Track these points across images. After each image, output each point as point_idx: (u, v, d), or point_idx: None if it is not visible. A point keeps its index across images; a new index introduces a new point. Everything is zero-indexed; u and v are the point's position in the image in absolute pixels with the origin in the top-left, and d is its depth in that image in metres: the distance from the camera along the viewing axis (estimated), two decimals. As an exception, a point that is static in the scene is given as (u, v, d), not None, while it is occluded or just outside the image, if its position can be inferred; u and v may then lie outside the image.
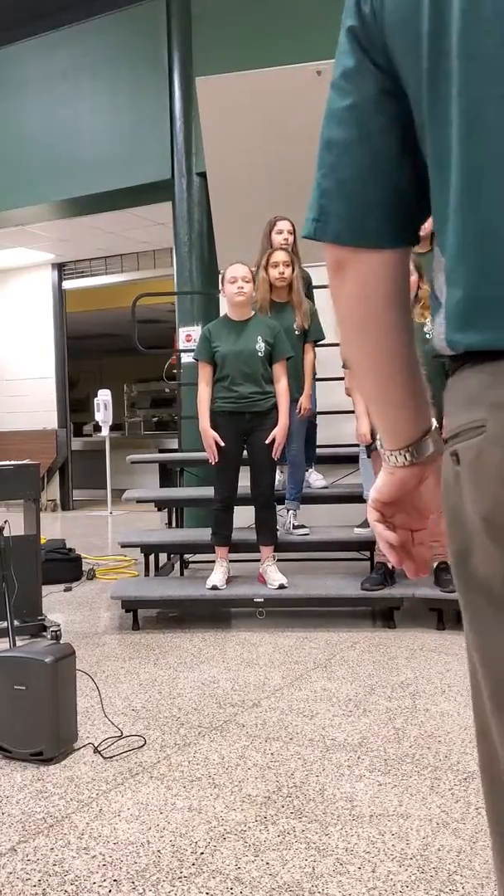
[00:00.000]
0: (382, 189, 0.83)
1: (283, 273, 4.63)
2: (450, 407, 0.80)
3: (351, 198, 0.83)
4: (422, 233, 0.93)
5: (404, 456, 0.93)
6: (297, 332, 4.70)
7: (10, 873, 1.99)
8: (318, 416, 5.31)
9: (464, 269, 0.74)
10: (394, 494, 0.96)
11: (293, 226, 5.01)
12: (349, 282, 0.86)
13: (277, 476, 4.76)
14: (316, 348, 5.10)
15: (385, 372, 0.90)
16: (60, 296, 11.21)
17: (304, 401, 4.77)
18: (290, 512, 4.87)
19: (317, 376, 5.19)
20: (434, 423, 0.94)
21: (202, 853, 2.05)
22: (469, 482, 0.75)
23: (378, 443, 0.96)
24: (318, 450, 5.42)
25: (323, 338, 4.94)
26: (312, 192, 0.86)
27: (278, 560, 4.52)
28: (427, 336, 4.15)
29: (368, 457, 4.50)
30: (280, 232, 4.98)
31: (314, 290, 5.29)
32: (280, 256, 4.65)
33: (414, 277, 4.13)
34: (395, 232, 0.85)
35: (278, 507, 4.68)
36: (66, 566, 5.78)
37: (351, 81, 0.82)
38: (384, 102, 0.81)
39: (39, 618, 4.23)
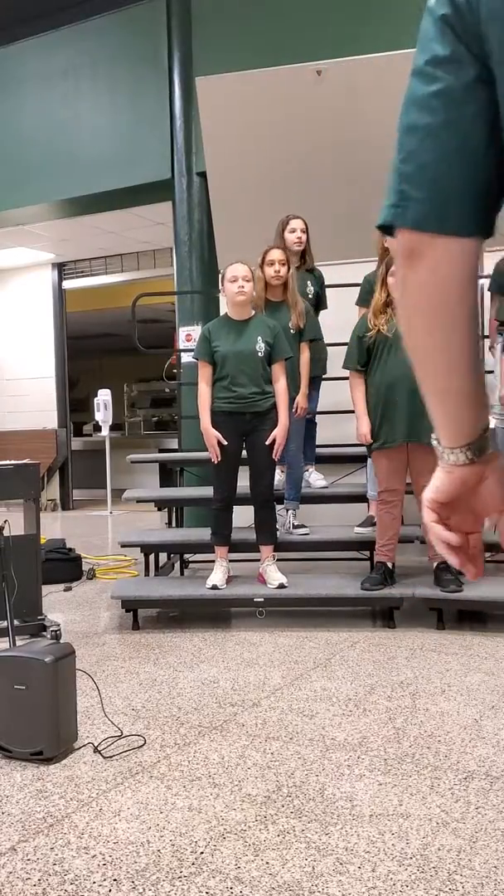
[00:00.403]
0: (466, 175, 0.81)
1: (279, 271, 4.62)
2: None
3: (433, 182, 0.82)
4: None
5: (465, 454, 0.90)
6: (292, 332, 4.70)
7: (10, 873, 1.99)
8: (318, 415, 5.31)
9: None
10: (453, 494, 0.92)
11: (306, 224, 5.00)
12: (423, 269, 0.84)
13: (277, 476, 4.76)
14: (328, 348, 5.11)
15: (452, 364, 0.87)
16: (60, 295, 11.21)
17: (300, 400, 4.77)
18: (290, 511, 4.87)
19: (325, 375, 5.20)
20: (491, 421, 0.91)
21: (202, 853, 2.05)
22: None
23: (434, 440, 0.93)
24: (319, 450, 5.42)
25: (319, 337, 4.94)
26: (390, 178, 0.84)
27: (278, 560, 4.52)
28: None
29: (369, 456, 4.50)
30: (293, 231, 4.97)
31: (331, 289, 5.30)
32: (276, 255, 4.65)
33: None
34: (476, 220, 0.83)
35: (278, 507, 4.68)
36: (65, 566, 5.78)
37: (441, 68, 0.81)
38: (476, 90, 0.80)
39: (39, 617, 4.23)
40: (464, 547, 0.95)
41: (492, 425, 0.91)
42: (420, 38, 0.83)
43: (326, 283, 5.31)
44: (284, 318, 4.65)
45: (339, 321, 5.11)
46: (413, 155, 0.82)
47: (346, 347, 4.42)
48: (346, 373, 4.42)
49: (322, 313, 5.13)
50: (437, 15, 0.81)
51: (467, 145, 0.81)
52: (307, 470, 5.19)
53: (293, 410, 4.69)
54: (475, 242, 0.84)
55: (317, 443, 5.39)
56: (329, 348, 5.13)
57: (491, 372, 4.53)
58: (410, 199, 0.82)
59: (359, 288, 4.96)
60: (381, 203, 0.87)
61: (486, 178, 0.82)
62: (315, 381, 5.08)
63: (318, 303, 5.17)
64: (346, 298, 5.13)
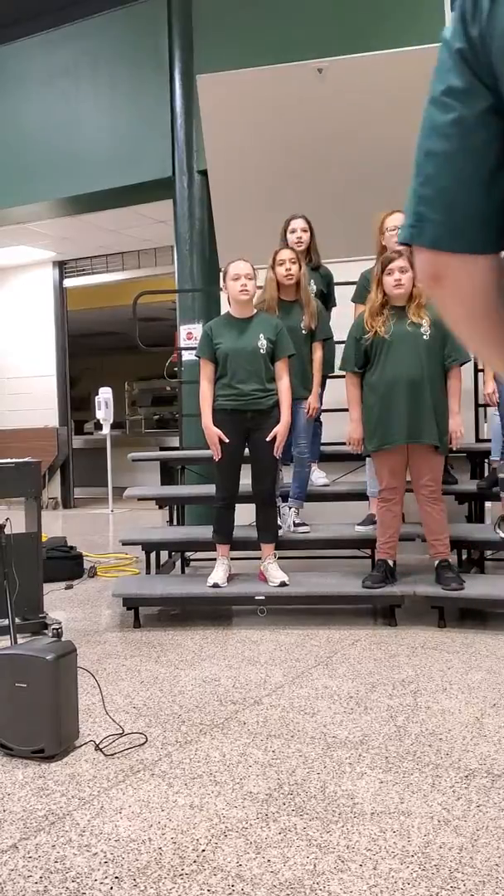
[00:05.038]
0: (481, 198, 0.88)
1: (290, 270, 4.62)
2: None
3: (451, 206, 0.88)
4: None
5: None
6: (303, 332, 4.69)
7: (12, 870, 1.99)
8: (322, 414, 5.29)
9: None
10: None
11: (308, 223, 4.99)
12: (447, 287, 0.91)
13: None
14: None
15: (501, 348, 0.96)
16: (61, 294, 11.21)
17: (312, 400, 4.76)
18: (293, 510, 4.87)
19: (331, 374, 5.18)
20: None
21: (203, 850, 2.05)
22: None
23: None
24: (320, 448, 5.40)
25: (330, 336, 4.93)
26: (409, 200, 0.91)
27: (279, 558, 4.52)
28: (424, 338, 4.15)
29: (367, 455, 4.50)
30: (293, 231, 4.97)
31: (335, 287, 5.28)
32: (286, 254, 4.65)
33: (409, 274, 4.11)
34: (492, 238, 0.89)
35: (281, 505, 4.67)
36: (67, 564, 5.78)
37: (457, 99, 0.87)
38: (488, 119, 0.86)
39: (41, 615, 4.23)
40: None
41: None
42: (436, 68, 0.89)
43: (341, 280, 5.28)
44: (297, 317, 4.65)
45: (337, 321, 5.10)
46: (431, 179, 0.89)
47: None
48: (347, 375, 4.41)
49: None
50: (452, 48, 0.88)
51: (481, 170, 0.88)
52: (310, 468, 5.18)
53: (305, 411, 4.69)
54: (494, 257, 0.90)
55: (321, 440, 5.38)
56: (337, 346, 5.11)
57: None
58: (427, 220, 0.89)
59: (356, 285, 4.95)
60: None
61: (500, 198, 0.88)
62: (322, 380, 5.06)
63: (326, 301, 5.15)
64: (347, 297, 5.12)
